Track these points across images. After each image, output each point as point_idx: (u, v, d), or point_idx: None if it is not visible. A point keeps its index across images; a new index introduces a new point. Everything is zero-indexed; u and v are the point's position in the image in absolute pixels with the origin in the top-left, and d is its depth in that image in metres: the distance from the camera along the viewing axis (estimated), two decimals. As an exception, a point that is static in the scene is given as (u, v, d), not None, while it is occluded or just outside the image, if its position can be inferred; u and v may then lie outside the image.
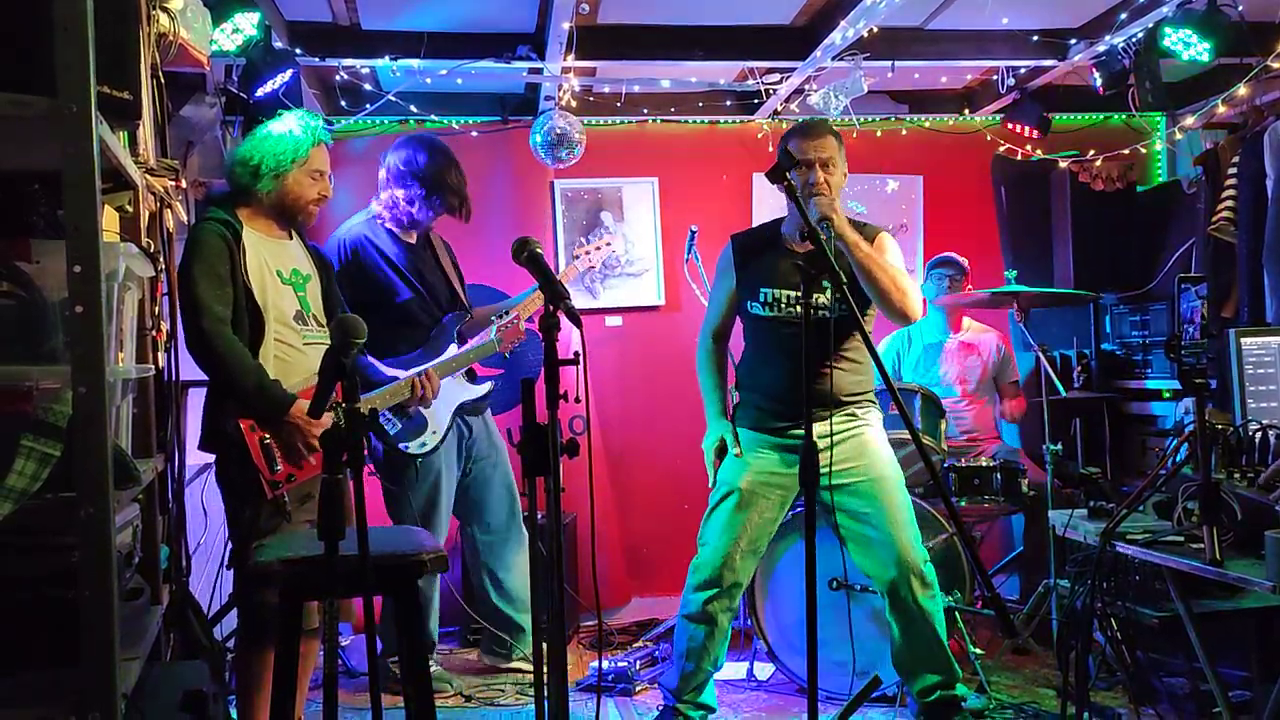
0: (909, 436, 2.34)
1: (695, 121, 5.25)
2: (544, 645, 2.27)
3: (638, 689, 3.93)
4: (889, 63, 4.50)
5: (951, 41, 4.58)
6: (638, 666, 4.02)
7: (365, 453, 2.03)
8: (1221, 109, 4.61)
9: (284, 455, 2.89)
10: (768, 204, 5.05)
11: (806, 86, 4.82)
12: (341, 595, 2.63)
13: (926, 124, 5.40)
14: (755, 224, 3.81)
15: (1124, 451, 5.01)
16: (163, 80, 2.71)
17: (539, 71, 4.51)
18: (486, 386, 3.99)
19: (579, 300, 4.57)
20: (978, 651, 3.77)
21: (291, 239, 3.15)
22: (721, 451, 3.36)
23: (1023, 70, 4.82)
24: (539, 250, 2.32)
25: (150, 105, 2.55)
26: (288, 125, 3.04)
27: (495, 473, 4.01)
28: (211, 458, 3.01)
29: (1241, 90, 4.43)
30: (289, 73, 3.88)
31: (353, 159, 4.87)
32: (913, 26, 4.48)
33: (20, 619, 1.83)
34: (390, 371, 3.55)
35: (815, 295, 3.17)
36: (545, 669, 2.24)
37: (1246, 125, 4.61)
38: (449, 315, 3.87)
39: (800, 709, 3.68)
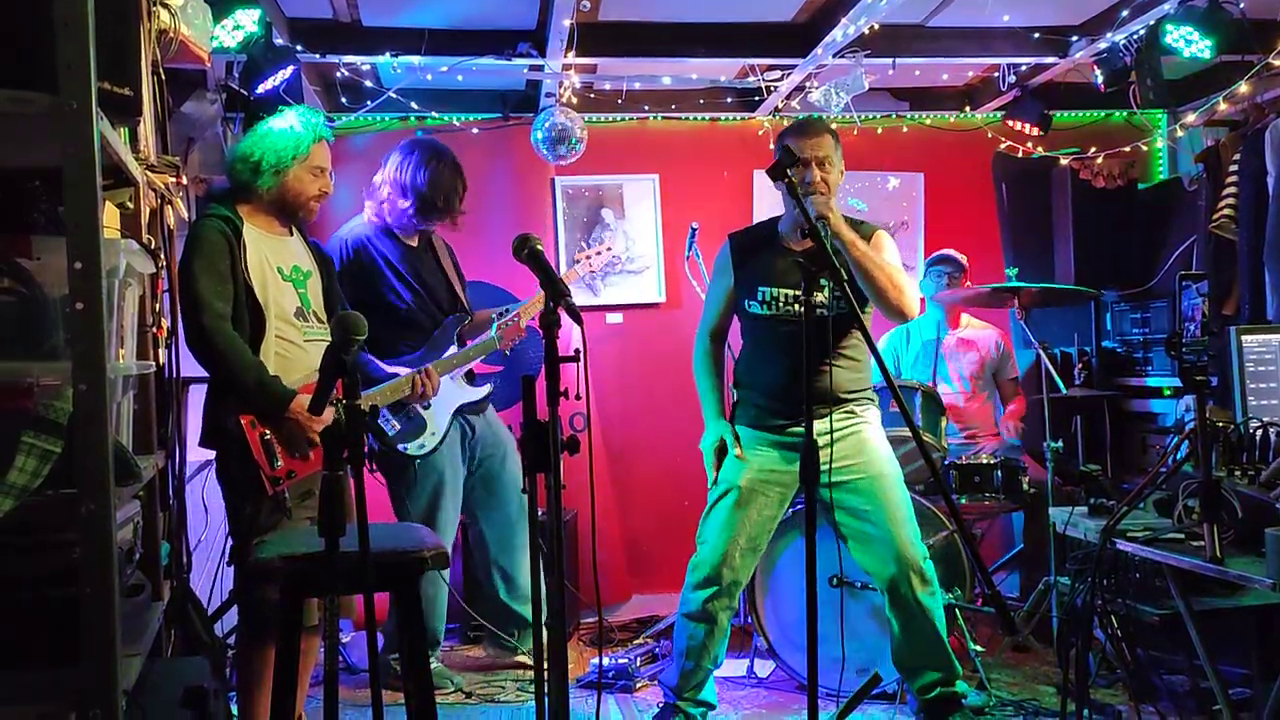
0: (909, 434, 2.33)
1: (696, 118, 5.24)
2: (544, 642, 2.27)
3: (638, 686, 3.93)
4: (890, 60, 4.49)
5: (952, 39, 4.57)
6: (638, 663, 4.02)
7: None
8: (1223, 106, 4.61)
9: (284, 451, 2.89)
10: (768, 201, 5.05)
11: (807, 84, 4.82)
12: (342, 592, 2.63)
13: (927, 121, 5.40)
14: (756, 221, 3.81)
15: (1124, 449, 5.02)
16: (163, 77, 2.71)
17: (540, 68, 4.51)
18: (486, 389, 3.99)
19: (579, 297, 4.56)
20: (978, 649, 3.77)
21: (292, 235, 3.15)
22: (721, 451, 3.35)
23: (1024, 67, 4.81)
24: (540, 247, 2.32)
25: (151, 102, 2.55)
26: (289, 122, 3.04)
27: (503, 467, 4.00)
28: (212, 454, 3.01)
29: (1243, 87, 4.43)
30: (290, 69, 3.88)
31: (353, 156, 4.87)
32: (914, 24, 4.47)
33: (21, 616, 1.83)
34: (390, 369, 3.55)
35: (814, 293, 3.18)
36: (546, 666, 2.25)
37: (1248, 122, 4.61)
38: (450, 317, 3.87)
39: (800, 706, 3.69)
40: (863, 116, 5.15)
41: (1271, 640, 2.99)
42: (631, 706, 3.77)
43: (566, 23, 3.95)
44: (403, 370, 3.53)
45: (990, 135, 5.28)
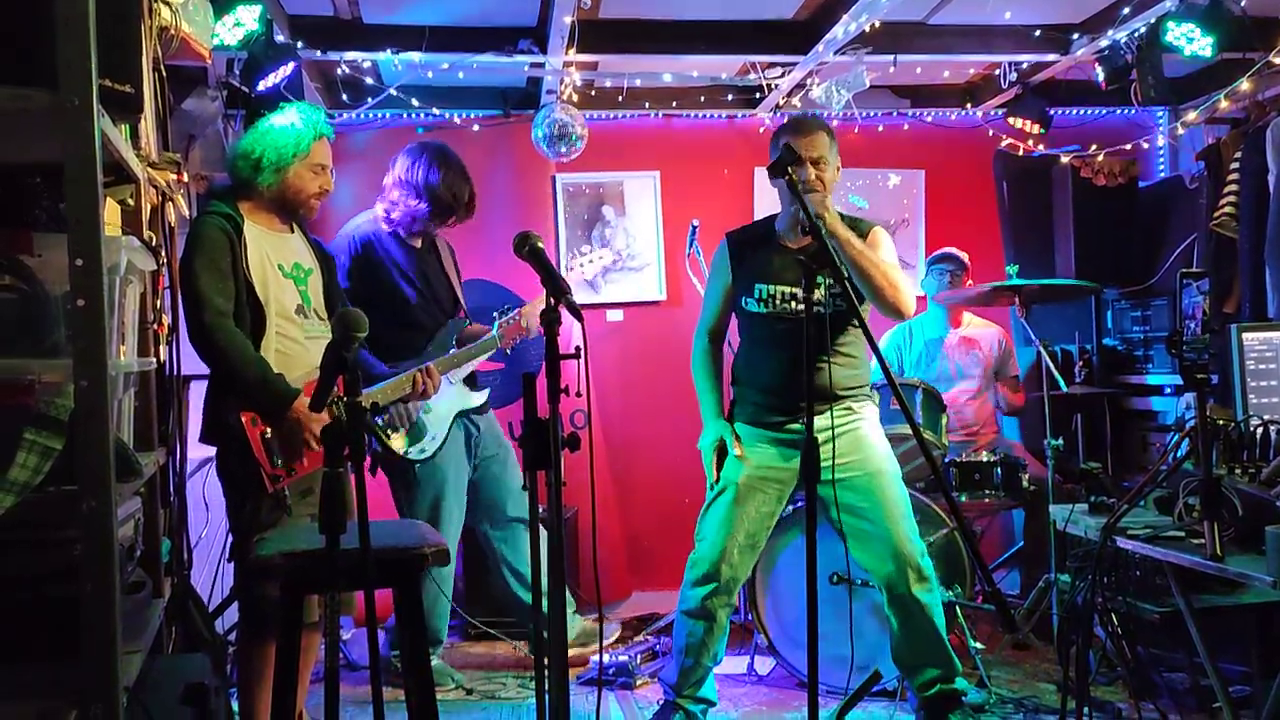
0: (910, 431, 2.34)
1: (697, 116, 5.24)
2: (544, 638, 2.27)
3: (638, 683, 3.93)
4: (891, 57, 4.49)
5: (954, 36, 4.57)
6: (638, 660, 4.02)
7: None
8: (1224, 104, 4.61)
9: (285, 449, 2.89)
10: (769, 198, 5.03)
11: (808, 81, 4.82)
12: (343, 589, 2.63)
13: (928, 119, 5.39)
14: (757, 218, 3.81)
15: (1125, 447, 5.02)
16: (164, 74, 2.71)
17: (541, 65, 4.51)
18: (485, 394, 4.00)
19: (579, 295, 4.55)
20: (978, 646, 3.78)
21: (293, 233, 3.15)
22: (721, 451, 3.35)
23: (1025, 65, 4.81)
24: (540, 244, 2.31)
25: (152, 99, 2.55)
26: (289, 119, 3.03)
27: (505, 470, 4.01)
28: (213, 451, 3.01)
29: (1244, 85, 4.43)
30: (290, 66, 3.88)
31: (354, 153, 4.87)
32: (915, 21, 4.47)
33: (22, 612, 1.84)
34: (388, 367, 3.55)
35: (799, 290, 3.18)
36: (546, 663, 2.25)
37: (1249, 120, 4.61)
38: (451, 320, 3.88)
39: (800, 703, 3.69)
40: (863, 114, 5.14)
41: (1271, 638, 2.99)
42: (632, 703, 3.77)
43: (567, 19, 3.95)
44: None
45: (991, 133, 5.28)
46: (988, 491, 4.16)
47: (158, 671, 2.28)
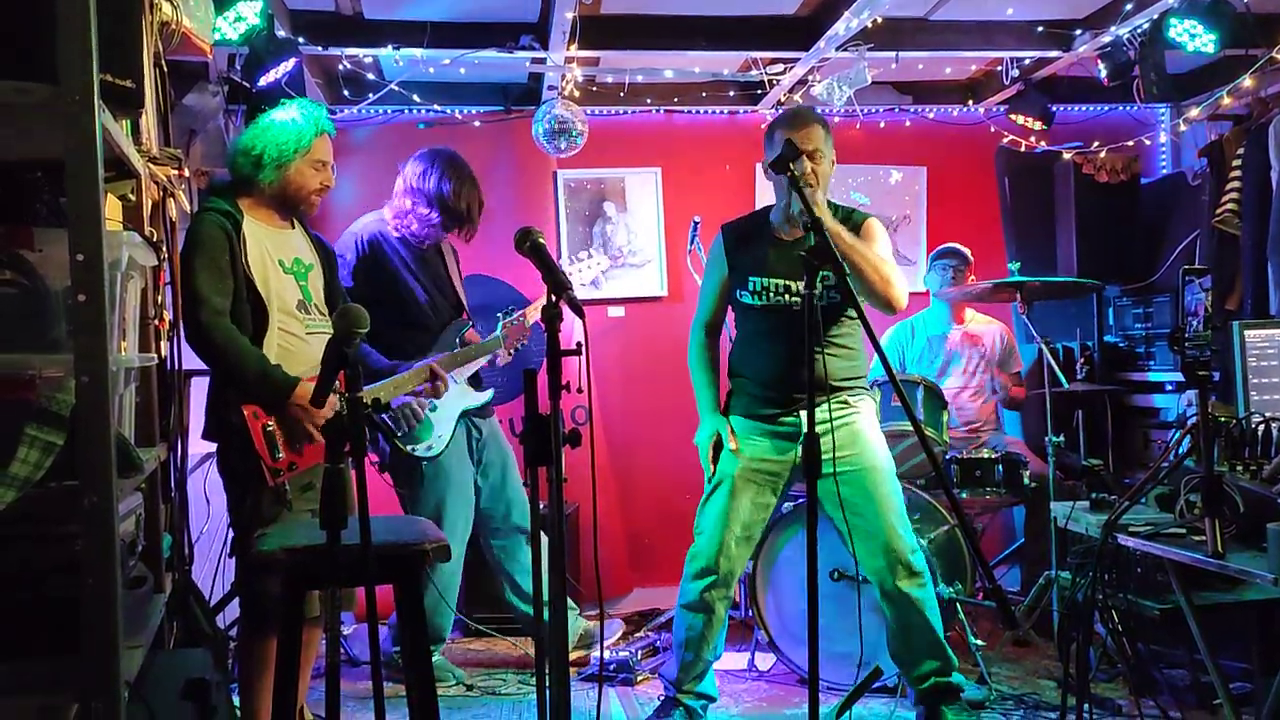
0: (911, 428, 2.33)
1: (698, 112, 5.23)
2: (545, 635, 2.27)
3: (639, 679, 3.94)
4: (893, 53, 4.49)
5: (955, 32, 4.56)
6: (639, 656, 4.03)
7: (366, 443, 2.03)
8: (1226, 101, 4.60)
9: (287, 442, 2.89)
10: (770, 194, 5.01)
11: (810, 77, 4.81)
12: (344, 584, 2.63)
13: (930, 115, 5.39)
14: (751, 212, 3.80)
15: (1126, 444, 5.01)
16: (165, 69, 2.71)
17: (542, 61, 4.51)
18: (489, 393, 4.00)
19: (581, 291, 4.54)
20: (978, 643, 3.78)
21: (294, 228, 3.14)
22: (718, 446, 3.35)
23: (1027, 61, 4.80)
24: (541, 240, 2.31)
25: (153, 94, 2.55)
26: (290, 115, 3.03)
27: (506, 479, 4.01)
28: (213, 447, 3.01)
29: (1247, 82, 4.42)
30: (292, 62, 3.88)
31: (355, 149, 4.87)
32: (917, 17, 4.46)
33: (24, 607, 1.84)
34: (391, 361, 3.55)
35: (794, 283, 3.19)
36: (546, 659, 2.25)
37: (1251, 117, 4.60)
38: (455, 321, 3.88)
39: (801, 699, 3.69)
40: (865, 110, 5.14)
41: (1272, 635, 2.99)
42: (632, 699, 3.78)
43: (569, 15, 3.95)
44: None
45: (993, 129, 5.27)
46: (989, 488, 4.16)
47: (159, 666, 2.28)
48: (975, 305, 4.84)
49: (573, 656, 3.92)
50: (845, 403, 3.29)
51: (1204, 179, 4.77)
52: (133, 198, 2.41)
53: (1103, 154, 5.14)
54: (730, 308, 3.46)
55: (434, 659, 3.78)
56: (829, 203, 3.35)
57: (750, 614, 3.93)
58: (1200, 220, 4.73)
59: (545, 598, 2.26)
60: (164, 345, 2.74)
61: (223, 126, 4.21)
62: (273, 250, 3.00)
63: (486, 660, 4.24)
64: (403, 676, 3.19)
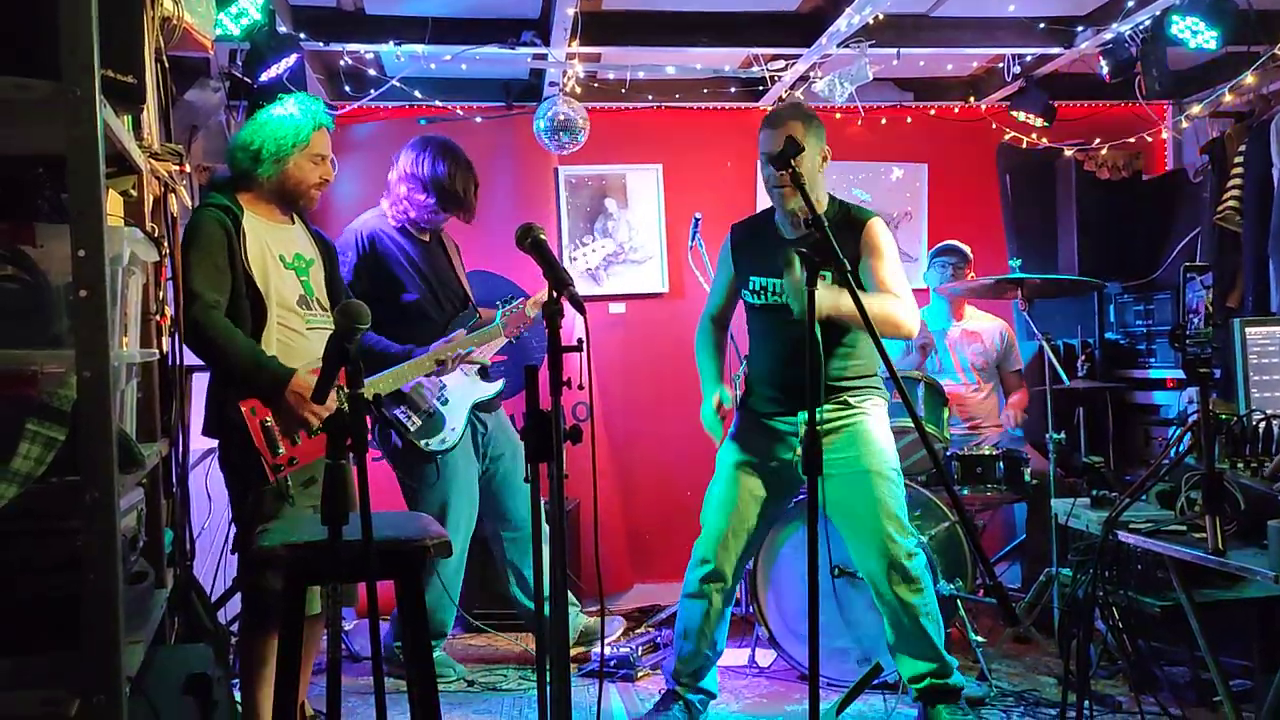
0: (912, 424, 2.33)
1: (700, 108, 5.23)
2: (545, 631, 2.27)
3: (639, 675, 3.94)
4: (894, 50, 4.48)
5: (957, 29, 4.56)
6: (639, 652, 4.03)
7: (370, 437, 2.03)
8: (1228, 97, 4.59)
9: (286, 437, 2.89)
10: (772, 191, 5.04)
11: (811, 73, 4.81)
12: (345, 580, 2.64)
13: (932, 112, 5.38)
14: (760, 211, 3.81)
15: (1127, 441, 5.01)
16: (167, 64, 2.70)
17: (543, 57, 4.50)
18: (499, 384, 4.00)
19: (582, 287, 4.56)
20: (979, 639, 3.78)
21: (294, 223, 3.14)
22: (721, 410, 3.35)
23: (1029, 58, 4.80)
24: (542, 236, 2.31)
25: (154, 89, 2.55)
26: (288, 109, 3.03)
27: (515, 470, 4.01)
28: (214, 442, 3.01)
29: (1249, 79, 4.42)
30: (293, 57, 3.87)
31: (357, 144, 4.87)
32: (918, 13, 4.46)
33: (25, 602, 1.84)
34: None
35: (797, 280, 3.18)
36: (547, 655, 2.25)
37: (1253, 114, 4.60)
38: (461, 313, 3.88)
39: (801, 695, 3.69)
40: (866, 107, 5.13)
41: (1273, 632, 2.99)
42: (633, 695, 3.78)
43: (570, 11, 3.94)
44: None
45: (994, 126, 5.27)
46: (989, 485, 4.16)
47: (160, 662, 2.28)
48: (975, 302, 4.84)
49: (573, 653, 3.92)
50: (845, 403, 3.28)
51: (1205, 176, 4.76)
52: (134, 193, 2.41)
53: (1104, 151, 5.13)
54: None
55: (435, 654, 3.78)
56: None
57: (751, 610, 3.94)
58: (1201, 217, 4.72)
59: (546, 593, 2.26)
60: (165, 341, 2.73)
61: (224, 122, 4.20)
62: (273, 245, 3.00)
63: (487, 656, 4.24)
64: (404, 672, 3.19)
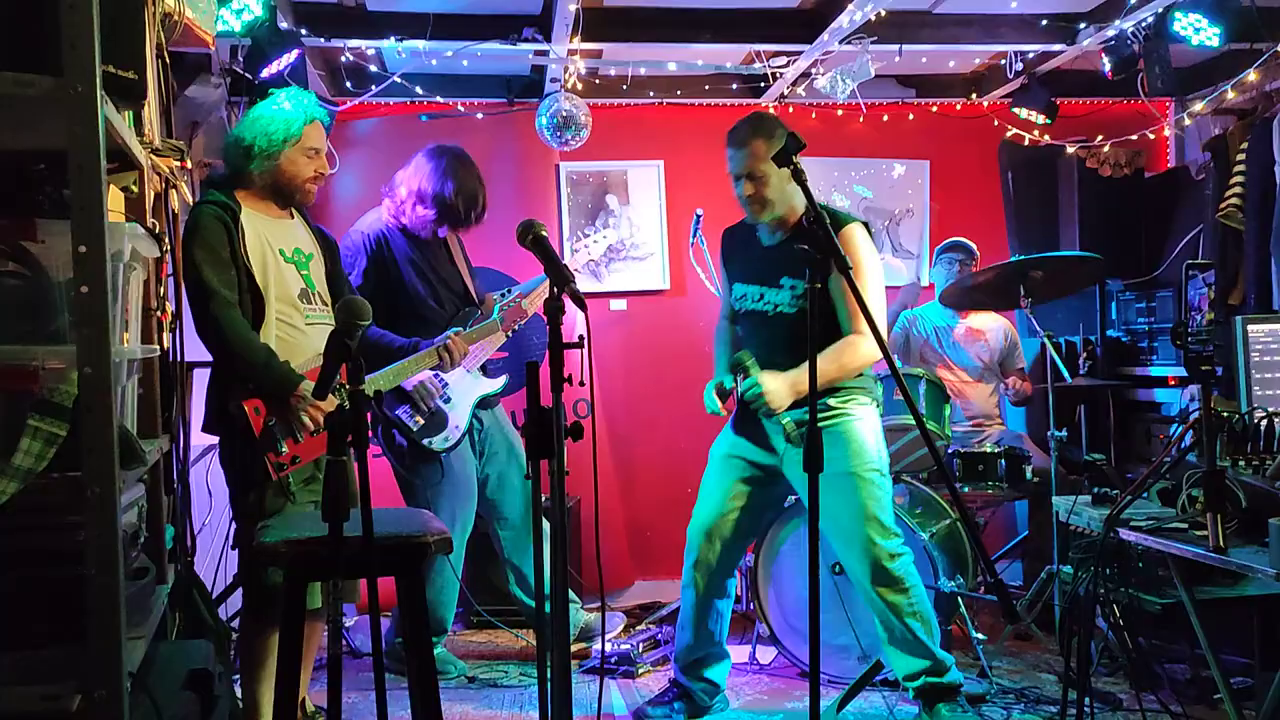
0: (913, 421, 2.33)
1: (702, 104, 5.23)
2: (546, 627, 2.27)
3: (640, 671, 3.94)
4: (896, 46, 4.47)
5: (959, 25, 4.55)
6: (640, 649, 4.03)
7: (372, 435, 2.03)
8: (1231, 95, 4.59)
9: (289, 436, 2.89)
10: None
11: (813, 70, 4.80)
12: (346, 576, 2.64)
13: (934, 108, 5.38)
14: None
15: (1129, 438, 5.01)
16: (168, 60, 2.70)
17: (545, 53, 4.50)
18: (502, 381, 4.00)
19: (583, 284, 4.56)
20: (980, 637, 3.78)
21: (293, 218, 3.14)
22: (719, 390, 3.35)
23: (1031, 55, 4.79)
24: (544, 233, 2.31)
25: (155, 85, 2.55)
26: (280, 104, 3.02)
27: (511, 468, 4.01)
28: (215, 439, 3.01)
29: (1251, 76, 4.41)
30: (294, 53, 3.87)
31: (358, 141, 4.86)
32: (921, 10, 4.46)
33: (27, 597, 1.84)
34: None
35: (767, 292, 3.26)
36: (549, 651, 2.25)
37: (1256, 111, 4.59)
38: (462, 312, 3.88)
39: (802, 692, 3.69)
40: (868, 103, 5.13)
41: (1274, 630, 2.99)
42: (634, 692, 3.78)
43: (572, 7, 3.94)
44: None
45: (996, 123, 5.26)
46: (991, 482, 4.16)
47: (161, 657, 2.28)
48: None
49: (573, 649, 3.93)
50: (827, 405, 3.23)
51: (1208, 173, 4.75)
52: (135, 189, 2.41)
53: (1106, 148, 5.12)
54: None
55: (435, 651, 3.78)
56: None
57: (751, 607, 3.94)
58: (1204, 215, 4.72)
59: (547, 590, 2.26)
60: (166, 337, 2.73)
61: (225, 118, 4.20)
62: (272, 240, 3.00)
63: (488, 652, 4.24)
64: (404, 667, 3.20)
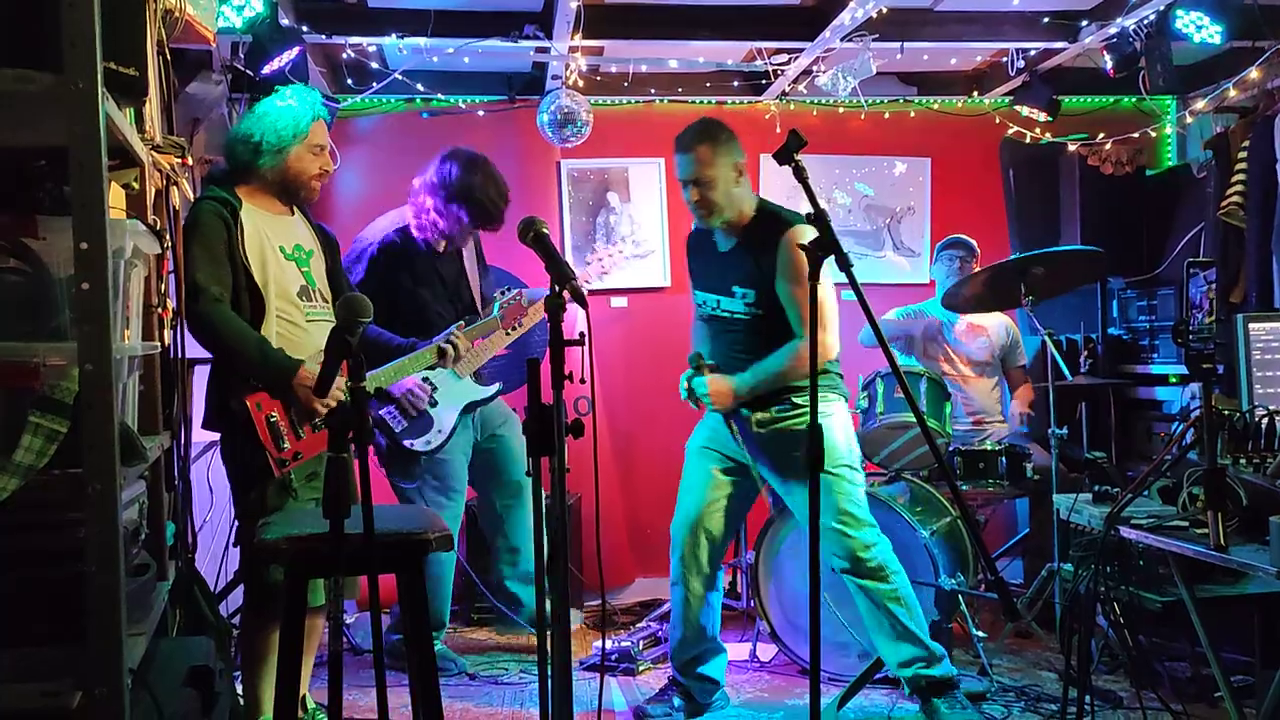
0: (914, 419, 2.33)
1: (702, 102, 5.22)
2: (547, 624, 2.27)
3: (640, 669, 3.94)
4: (898, 44, 4.47)
5: (961, 23, 4.55)
6: (640, 646, 4.03)
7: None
8: (1233, 93, 4.58)
9: (291, 431, 2.89)
10: (774, 185, 5.02)
11: (815, 67, 4.80)
12: (347, 573, 2.64)
13: (935, 106, 5.37)
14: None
15: (1129, 436, 5.01)
16: (169, 57, 2.69)
17: (546, 50, 4.49)
18: (495, 387, 3.99)
19: (601, 280, 4.53)
20: (980, 634, 3.78)
21: (293, 215, 3.14)
22: (696, 364, 3.36)
23: (1032, 52, 4.79)
24: (545, 230, 2.31)
25: (156, 82, 2.54)
26: (287, 101, 3.03)
27: (507, 439, 4.01)
28: (216, 435, 3.01)
29: (1253, 74, 4.40)
30: (295, 50, 3.87)
31: (359, 138, 4.86)
32: (922, 7, 4.45)
33: (27, 594, 1.84)
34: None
35: (722, 300, 3.31)
36: (549, 648, 2.25)
37: (1258, 109, 4.59)
38: (465, 318, 3.87)
39: (802, 690, 3.70)
40: (870, 101, 5.12)
41: (1274, 628, 2.99)
42: (634, 689, 3.78)
43: (573, 5, 3.94)
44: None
45: (998, 120, 5.26)
46: (992, 480, 4.16)
47: (162, 654, 2.28)
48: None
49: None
50: (791, 403, 3.26)
51: (1209, 171, 4.75)
52: (136, 186, 2.41)
53: (1108, 146, 5.11)
54: None
55: (436, 647, 3.78)
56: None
57: (752, 604, 3.94)
58: (1205, 213, 4.71)
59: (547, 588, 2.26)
60: (167, 333, 2.73)
61: (226, 115, 4.20)
62: (272, 237, 3.00)
63: (489, 648, 4.25)
64: (405, 664, 3.20)
